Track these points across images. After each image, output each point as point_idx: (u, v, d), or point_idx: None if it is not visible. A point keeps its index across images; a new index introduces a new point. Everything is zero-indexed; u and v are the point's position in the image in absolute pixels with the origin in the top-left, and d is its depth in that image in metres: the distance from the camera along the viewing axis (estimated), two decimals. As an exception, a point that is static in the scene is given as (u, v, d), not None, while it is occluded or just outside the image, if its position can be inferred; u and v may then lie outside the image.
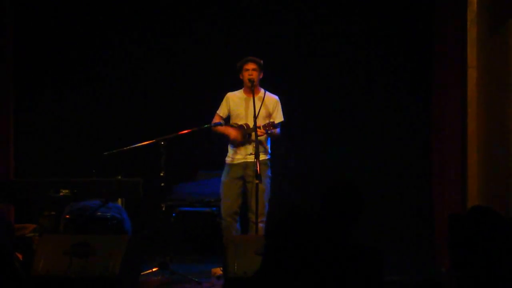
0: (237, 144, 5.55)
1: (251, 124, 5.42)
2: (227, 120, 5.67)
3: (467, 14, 5.81)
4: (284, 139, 5.81)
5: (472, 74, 5.80)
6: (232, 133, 5.54)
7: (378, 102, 6.92)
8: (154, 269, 5.32)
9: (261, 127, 5.39)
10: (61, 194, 5.16)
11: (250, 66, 5.56)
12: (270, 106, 5.60)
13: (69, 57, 6.95)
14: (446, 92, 6.02)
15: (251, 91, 5.46)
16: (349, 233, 2.73)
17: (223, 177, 5.62)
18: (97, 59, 6.99)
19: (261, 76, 5.61)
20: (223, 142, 5.69)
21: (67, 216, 5.35)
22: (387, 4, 6.81)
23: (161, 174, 5.32)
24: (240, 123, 5.57)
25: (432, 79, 6.29)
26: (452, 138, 5.96)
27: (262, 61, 5.59)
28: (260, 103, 5.50)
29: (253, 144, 5.31)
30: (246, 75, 5.55)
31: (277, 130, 5.55)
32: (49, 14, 6.86)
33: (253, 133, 5.34)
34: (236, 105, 5.64)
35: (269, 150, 5.62)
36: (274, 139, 5.64)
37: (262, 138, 5.45)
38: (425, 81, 6.47)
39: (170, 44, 7.06)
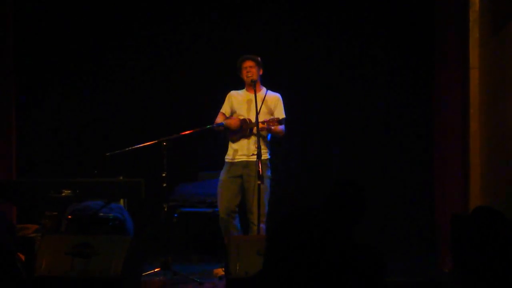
0: (238, 139, 5.53)
1: (253, 119, 5.42)
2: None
3: (469, 15, 5.81)
4: (285, 138, 5.80)
5: (474, 75, 5.80)
6: (232, 122, 5.53)
7: (380, 102, 6.92)
8: (156, 270, 5.32)
9: (264, 123, 5.38)
10: (63, 194, 5.14)
11: (248, 64, 5.55)
12: (271, 104, 5.59)
13: (71, 58, 6.96)
14: (448, 92, 6.01)
15: (253, 89, 5.45)
16: (351, 233, 2.73)
17: (222, 175, 5.61)
18: (98, 60, 7.00)
19: (260, 73, 5.60)
20: (226, 139, 5.68)
21: (69, 217, 5.34)
22: (388, 5, 6.81)
23: (163, 175, 5.32)
24: (242, 119, 5.58)
25: (434, 79, 6.28)
26: (454, 138, 5.95)
27: (259, 58, 5.58)
28: (261, 103, 5.49)
29: (256, 144, 5.29)
30: (245, 74, 5.55)
31: (281, 127, 5.52)
32: (51, 16, 6.87)
33: (255, 133, 5.33)
34: (238, 103, 5.65)
35: (269, 150, 5.62)
36: (277, 136, 5.61)
37: (263, 133, 5.44)
38: (427, 81, 6.47)
39: (171, 45, 7.07)
